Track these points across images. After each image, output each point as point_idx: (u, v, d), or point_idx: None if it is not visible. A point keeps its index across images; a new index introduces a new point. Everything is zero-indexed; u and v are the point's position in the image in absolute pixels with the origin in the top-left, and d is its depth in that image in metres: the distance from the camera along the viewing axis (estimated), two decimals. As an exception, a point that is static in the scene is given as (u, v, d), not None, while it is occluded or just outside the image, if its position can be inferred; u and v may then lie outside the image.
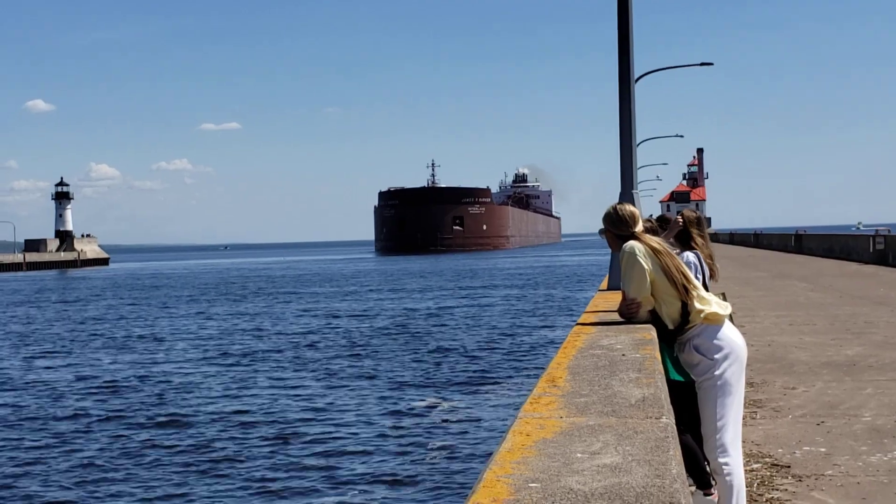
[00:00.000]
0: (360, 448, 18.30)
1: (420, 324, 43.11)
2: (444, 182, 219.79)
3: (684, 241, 7.91)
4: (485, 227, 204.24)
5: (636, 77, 15.68)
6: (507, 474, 3.07)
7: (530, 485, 2.94)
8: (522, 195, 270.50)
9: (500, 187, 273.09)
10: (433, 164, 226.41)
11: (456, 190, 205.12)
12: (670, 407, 4.23)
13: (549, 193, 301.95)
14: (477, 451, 17.63)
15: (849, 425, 9.88)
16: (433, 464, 16.86)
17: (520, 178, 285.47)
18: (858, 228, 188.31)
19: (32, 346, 38.41)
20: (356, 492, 15.37)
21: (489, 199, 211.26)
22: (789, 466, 8.42)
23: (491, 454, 3.45)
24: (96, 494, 15.85)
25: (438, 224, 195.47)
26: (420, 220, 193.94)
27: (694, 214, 7.90)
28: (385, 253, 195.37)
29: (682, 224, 7.89)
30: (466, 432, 19.31)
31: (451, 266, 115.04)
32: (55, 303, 67.27)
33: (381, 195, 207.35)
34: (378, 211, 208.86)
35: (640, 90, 17.82)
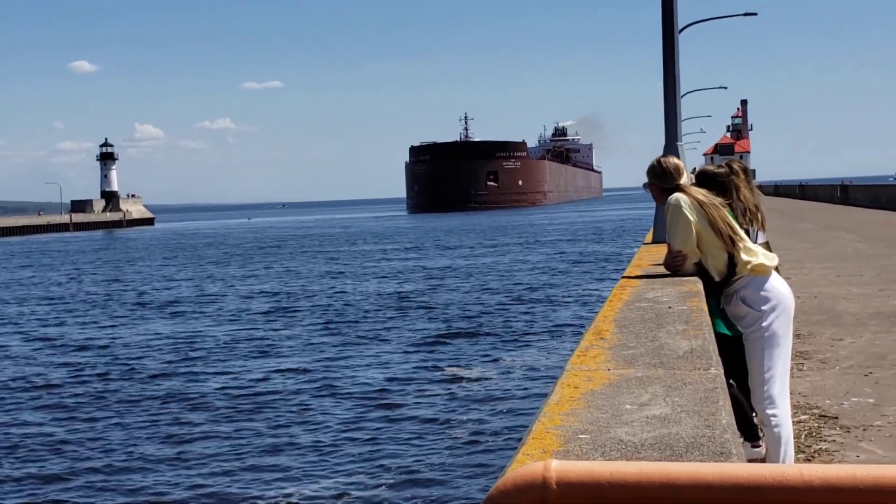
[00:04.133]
0: (407, 401, 18.41)
1: (458, 281, 43.15)
2: (480, 137, 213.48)
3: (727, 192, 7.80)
4: (520, 182, 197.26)
5: (680, 28, 15.52)
6: (556, 426, 3.08)
7: (580, 436, 2.95)
8: (562, 149, 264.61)
9: (538, 141, 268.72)
10: (466, 118, 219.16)
11: (490, 144, 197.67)
12: (719, 358, 4.22)
13: (589, 147, 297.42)
14: (525, 403, 17.69)
15: (897, 376, 9.82)
16: (480, 417, 16.94)
17: (559, 132, 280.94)
18: (894, 179, 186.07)
19: (63, 308, 38.84)
20: (406, 446, 15.47)
21: (525, 154, 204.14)
22: (837, 417, 8.39)
23: (539, 407, 3.46)
24: (115, 455, 16.07)
25: (472, 180, 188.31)
26: (452, 176, 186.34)
27: (740, 165, 7.81)
28: (417, 211, 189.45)
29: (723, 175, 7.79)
30: (514, 385, 19.37)
31: (486, 223, 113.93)
32: (87, 263, 67.91)
33: (412, 150, 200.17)
34: (409, 167, 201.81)
35: (683, 41, 17.61)
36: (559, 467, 1.59)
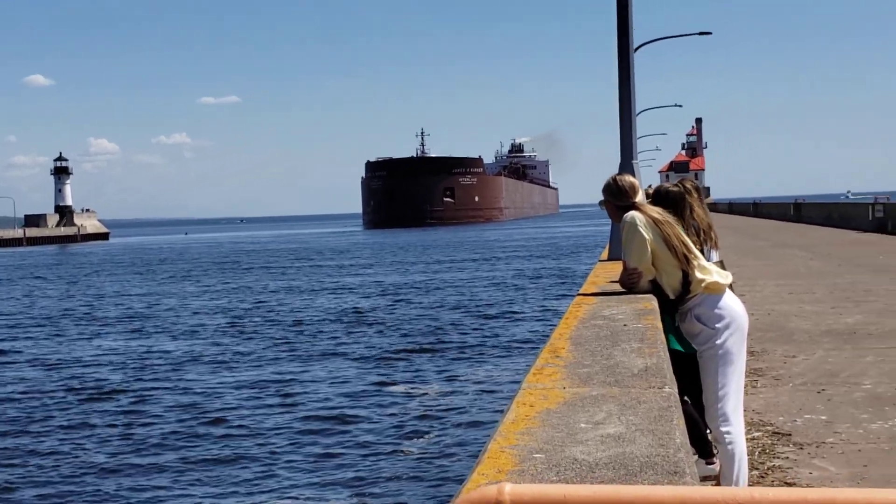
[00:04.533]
0: (364, 418, 18.35)
1: (415, 297, 43.10)
2: (436, 152, 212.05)
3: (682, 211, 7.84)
4: (477, 198, 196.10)
5: (635, 47, 15.62)
6: (511, 445, 3.08)
7: (535, 455, 2.95)
8: (518, 165, 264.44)
9: (495, 157, 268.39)
10: (422, 134, 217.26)
11: (446, 160, 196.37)
12: (673, 376, 4.24)
13: (546, 163, 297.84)
14: (481, 422, 17.67)
15: (849, 393, 9.90)
16: (437, 435, 16.91)
17: (516, 148, 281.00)
18: (848, 197, 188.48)
19: (14, 323, 38.45)
20: (361, 463, 15.42)
21: (481, 170, 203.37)
22: (790, 434, 8.45)
23: (495, 425, 3.46)
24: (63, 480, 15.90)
25: (428, 196, 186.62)
26: (409, 192, 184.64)
27: (693, 184, 7.86)
28: (372, 226, 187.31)
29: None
30: (470, 403, 19.35)
31: (443, 239, 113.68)
32: (39, 278, 67.28)
33: (368, 166, 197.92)
34: (365, 183, 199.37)
35: (638, 60, 17.71)
36: (513, 491, 1.59)
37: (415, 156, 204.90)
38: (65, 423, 19.17)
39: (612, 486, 1.61)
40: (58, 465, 16.10)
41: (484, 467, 2.84)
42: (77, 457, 16.60)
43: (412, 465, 15.19)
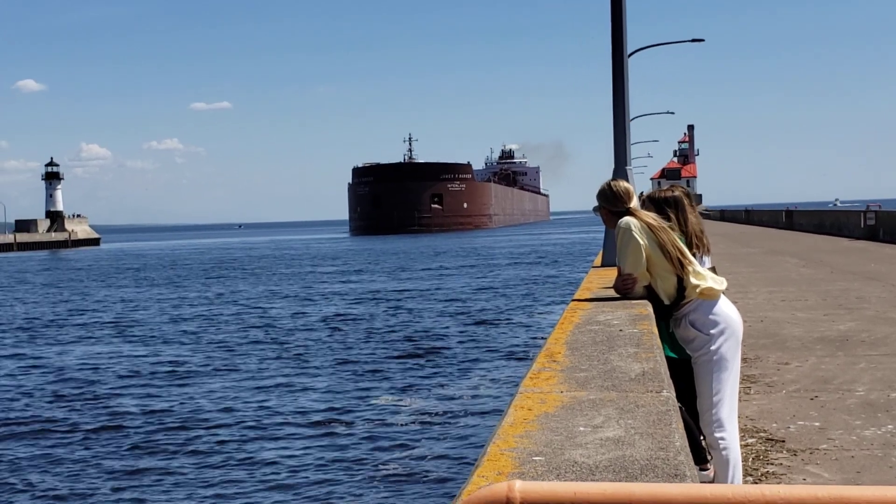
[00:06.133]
0: (356, 424, 18.33)
1: (408, 304, 43.08)
2: (424, 158, 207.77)
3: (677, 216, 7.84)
4: (465, 204, 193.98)
5: (629, 53, 15.64)
6: (510, 448, 3.08)
7: (534, 458, 2.95)
8: (508, 172, 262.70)
9: (485, 164, 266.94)
10: (410, 139, 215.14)
11: (434, 166, 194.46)
12: (671, 381, 4.25)
13: (536, 170, 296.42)
14: (474, 428, 17.65)
15: (842, 400, 9.92)
16: (429, 441, 16.89)
17: (506, 154, 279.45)
18: (836, 205, 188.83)
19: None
20: (355, 470, 15.39)
21: (470, 176, 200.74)
22: (784, 441, 8.45)
23: (491, 429, 3.46)
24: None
25: (415, 202, 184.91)
26: (396, 198, 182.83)
27: (683, 190, 7.86)
28: (359, 233, 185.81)
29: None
30: (463, 409, 19.33)
31: (432, 246, 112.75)
32: (26, 284, 67.11)
33: (355, 171, 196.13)
34: (352, 188, 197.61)
35: (631, 67, 17.74)
36: (523, 488, 1.59)
37: (402, 161, 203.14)
38: (51, 429, 19.11)
39: (622, 483, 1.61)
40: (44, 471, 16.05)
41: (484, 469, 2.84)
42: (65, 463, 16.55)
43: (406, 471, 15.16)
